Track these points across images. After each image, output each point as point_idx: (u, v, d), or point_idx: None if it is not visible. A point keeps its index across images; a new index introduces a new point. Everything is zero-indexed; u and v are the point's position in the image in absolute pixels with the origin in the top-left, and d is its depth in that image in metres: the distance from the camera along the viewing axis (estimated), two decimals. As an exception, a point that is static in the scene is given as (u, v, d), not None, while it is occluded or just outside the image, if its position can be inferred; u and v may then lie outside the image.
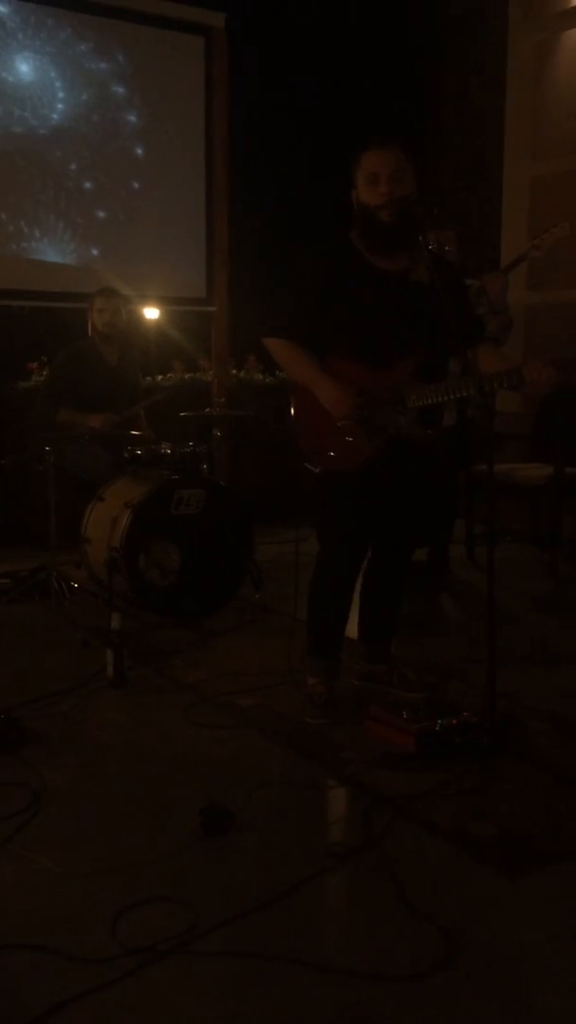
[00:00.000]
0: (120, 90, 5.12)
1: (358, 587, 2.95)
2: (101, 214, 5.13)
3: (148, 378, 5.44)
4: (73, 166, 5.06)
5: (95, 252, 5.12)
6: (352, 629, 3.06)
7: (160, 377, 5.81)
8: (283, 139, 6.25)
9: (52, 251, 5.00)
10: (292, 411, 2.72)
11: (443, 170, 6.08)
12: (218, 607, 3.84)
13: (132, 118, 5.16)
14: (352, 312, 2.57)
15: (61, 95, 5.00)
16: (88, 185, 5.10)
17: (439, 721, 2.55)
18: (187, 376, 5.91)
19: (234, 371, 5.80)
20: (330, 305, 2.57)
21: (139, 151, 5.22)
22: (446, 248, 4.08)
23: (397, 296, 2.57)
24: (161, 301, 5.30)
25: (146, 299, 5.19)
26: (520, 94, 5.58)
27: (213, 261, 5.37)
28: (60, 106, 5.00)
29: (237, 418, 4.54)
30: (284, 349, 2.67)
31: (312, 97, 6.31)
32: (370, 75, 6.21)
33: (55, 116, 5.00)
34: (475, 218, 5.82)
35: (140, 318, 5.34)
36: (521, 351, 5.42)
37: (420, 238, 2.48)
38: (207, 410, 4.34)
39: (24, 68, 4.88)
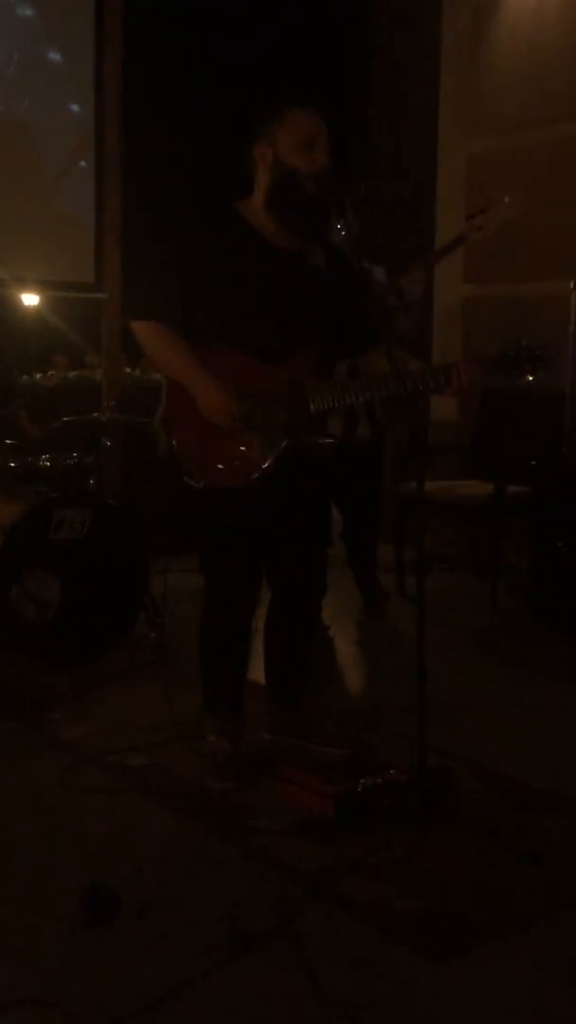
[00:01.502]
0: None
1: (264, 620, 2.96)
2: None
3: (26, 376, 5.38)
4: None
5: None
6: (259, 671, 3.07)
7: (40, 375, 5.77)
8: (191, 94, 6.25)
9: None
10: (165, 412, 2.67)
11: (369, 141, 6.14)
12: (106, 649, 3.81)
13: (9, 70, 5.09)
14: (238, 294, 2.55)
15: None
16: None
17: (362, 782, 2.56)
18: (72, 374, 5.86)
19: (128, 369, 5.77)
20: (212, 284, 2.55)
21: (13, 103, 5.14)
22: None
23: (293, 278, 2.57)
24: (42, 286, 5.24)
25: (23, 283, 5.13)
26: (456, 59, 5.65)
27: (104, 240, 5.30)
28: None
29: (131, 424, 4.42)
30: (155, 337, 2.62)
31: (219, 48, 6.34)
32: (283, 25, 6.27)
33: None
34: (405, 201, 5.89)
35: (16, 305, 5.30)
36: (459, 350, 5.49)
37: (338, 221, 2.63)
38: (95, 414, 4.29)
39: None
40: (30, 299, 5.36)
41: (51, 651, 3.66)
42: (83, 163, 5.20)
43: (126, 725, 3.20)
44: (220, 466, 2.58)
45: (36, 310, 5.50)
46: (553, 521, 4.26)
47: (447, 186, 5.72)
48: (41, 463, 3.91)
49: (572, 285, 4.59)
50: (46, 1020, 1.83)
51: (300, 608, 2.92)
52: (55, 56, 5.16)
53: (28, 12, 5.13)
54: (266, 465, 2.56)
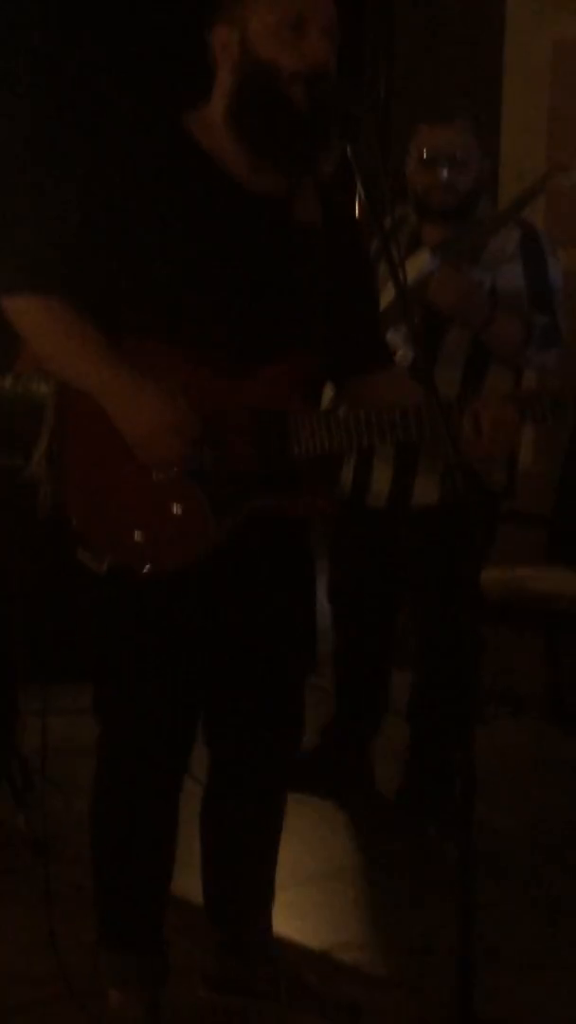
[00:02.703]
0: None
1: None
2: None
3: None
4: None
5: None
6: (189, 886, 2.76)
7: None
8: None
9: None
10: (52, 442, 2.43)
11: (398, 32, 5.79)
12: None
13: None
14: (182, 256, 2.34)
15: None
16: None
17: None
18: None
19: None
20: (137, 237, 2.33)
21: None
22: (461, 156, 3.42)
23: (272, 239, 2.40)
24: None
25: None
26: None
27: None
28: None
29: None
30: (41, 319, 2.38)
31: None
32: None
33: None
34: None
35: None
36: None
37: (345, 148, 2.26)
38: None
39: None
40: None
41: None
42: None
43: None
44: (140, 536, 2.35)
45: None
46: None
47: (519, 94, 5.25)
48: None
49: None
50: None
51: (257, 780, 2.64)
52: None
53: None
54: (217, 537, 2.35)
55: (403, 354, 3.03)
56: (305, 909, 3.21)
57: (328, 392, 2.67)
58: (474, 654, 2.42)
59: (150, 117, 2.43)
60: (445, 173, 3.26)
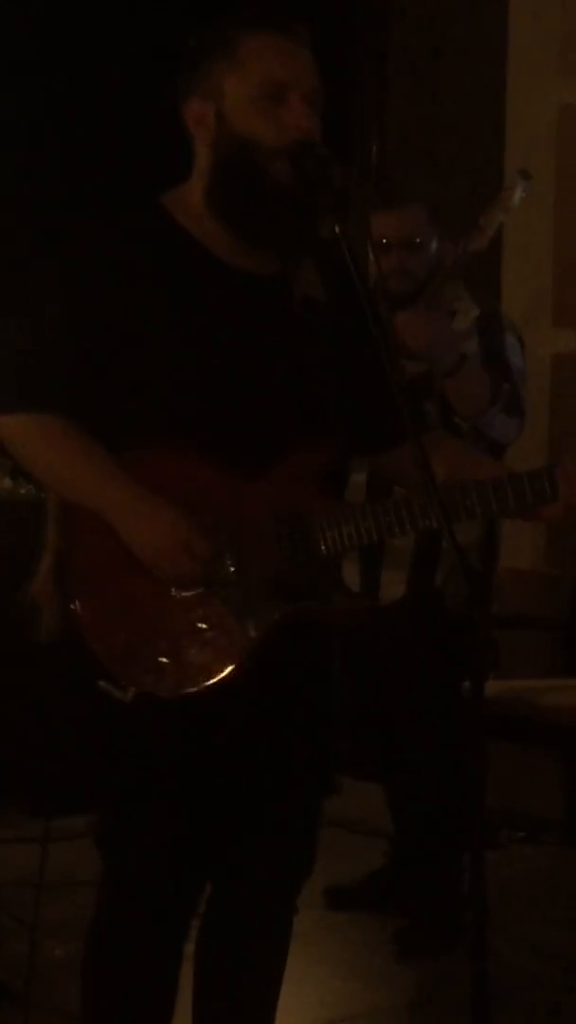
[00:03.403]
0: None
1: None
2: None
3: None
4: None
5: None
6: None
7: None
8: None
9: None
10: (59, 561, 2.38)
11: (391, 95, 5.78)
12: None
13: None
14: (177, 351, 2.29)
15: None
16: None
17: None
18: None
19: None
20: (129, 338, 2.28)
21: None
22: (415, 241, 3.70)
23: (270, 320, 2.34)
24: None
25: None
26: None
27: None
28: None
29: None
30: (35, 439, 2.34)
31: None
32: None
33: None
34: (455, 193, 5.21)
35: None
36: (545, 430, 4.87)
37: (334, 226, 2.19)
38: None
39: None
40: None
41: None
42: None
43: None
44: (165, 658, 2.27)
45: None
46: None
47: (523, 160, 5.02)
48: None
49: None
50: None
51: (262, 914, 2.53)
52: None
53: None
54: (245, 655, 2.28)
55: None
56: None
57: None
58: (479, 771, 2.26)
59: (128, 204, 2.38)
60: (395, 259, 3.44)
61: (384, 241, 3.43)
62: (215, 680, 2.27)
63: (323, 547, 2.29)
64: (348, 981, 3.55)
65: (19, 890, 3.29)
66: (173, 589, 2.28)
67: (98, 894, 2.39)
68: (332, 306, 2.38)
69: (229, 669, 2.27)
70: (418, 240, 3.45)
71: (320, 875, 3.86)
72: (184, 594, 2.28)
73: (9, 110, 5.32)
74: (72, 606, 2.33)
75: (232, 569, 2.29)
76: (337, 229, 2.18)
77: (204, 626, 2.27)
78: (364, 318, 2.37)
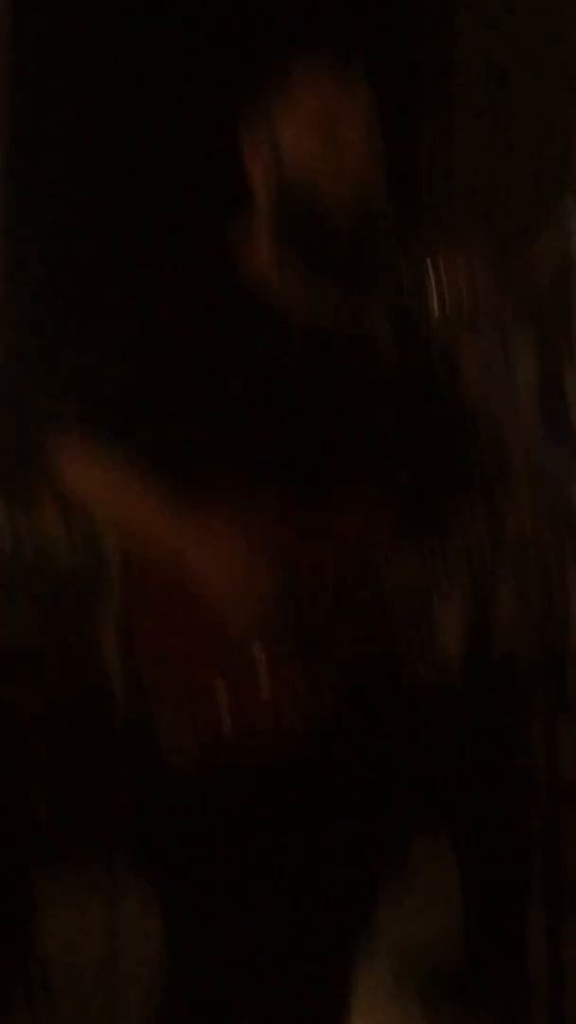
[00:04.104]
0: None
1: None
2: None
3: None
4: None
5: None
6: None
7: None
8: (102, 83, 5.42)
9: None
10: (133, 622, 2.36)
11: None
12: None
13: None
14: (241, 401, 2.31)
15: None
16: None
17: None
18: None
19: (7, 515, 4.99)
20: (193, 384, 2.31)
21: None
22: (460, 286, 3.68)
23: (328, 372, 2.37)
24: None
25: None
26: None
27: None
28: None
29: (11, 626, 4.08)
30: (102, 463, 2.33)
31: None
32: None
33: None
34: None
35: None
36: None
37: (394, 264, 2.32)
38: None
39: None
40: None
41: None
42: None
43: None
44: (230, 726, 2.24)
45: None
46: None
47: None
48: None
49: None
50: None
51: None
52: None
53: None
54: (313, 720, 2.25)
55: None
56: None
57: None
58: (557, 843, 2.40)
59: (194, 249, 2.42)
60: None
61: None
62: (279, 748, 2.22)
63: (392, 589, 2.26)
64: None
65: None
66: (234, 644, 2.21)
67: (166, 969, 2.34)
68: (403, 353, 2.39)
69: (293, 738, 2.21)
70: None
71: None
72: (246, 651, 2.22)
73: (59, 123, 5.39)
74: (135, 674, 2.31)
75: (295, 623, 2.24)
76: (397, 264, 2.27)
77: (269, 694, 2.23)
78: (432, 364, 2.44)
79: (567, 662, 3.78)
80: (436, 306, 2.61)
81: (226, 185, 2.37)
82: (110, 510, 2.42)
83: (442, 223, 4.94)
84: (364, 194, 2.23)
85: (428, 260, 2.56)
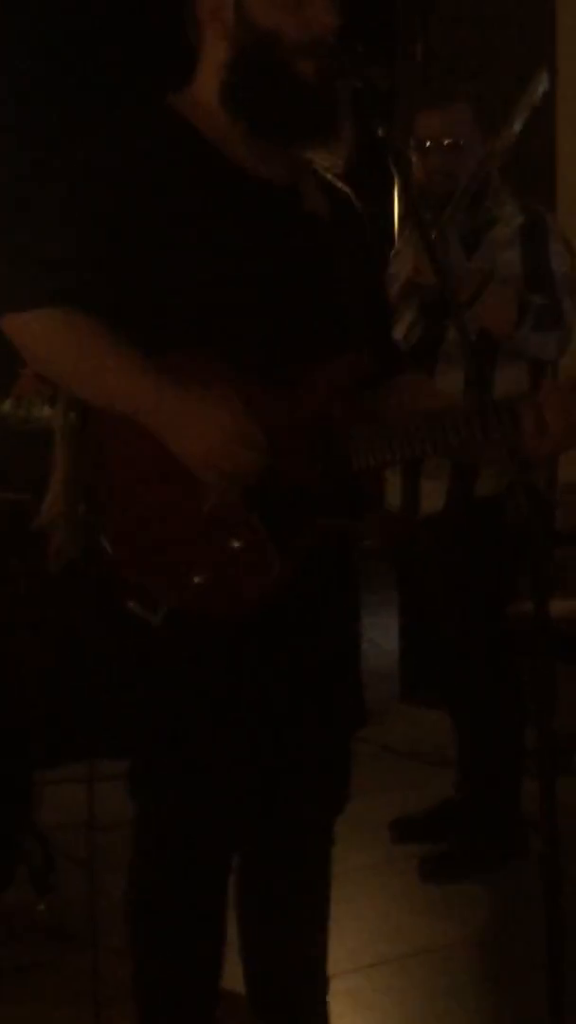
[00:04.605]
0: None
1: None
2: None
3: None
4: None
5: None
6: (227, 971, 2.50)
7: None
8: None
9: None
10: (71, 479, 2.26)
11: None
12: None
13: None
14: (204, 253, 2.18)
15: None
16: None
17: None
18: None
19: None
20: (153, 239, 2.17)
21: None
22: (459, 143, 3.47)
23: (293, 227, 2.25)
24: None
25: None
26: None
27: None
28: None
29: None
30: (65, 333, 2.17)
31: None
32: None
33: None
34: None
35: None
36: None
37: (377, 125, 2.14)
38: None
39: None
40: None
41: None
42: None
43: None
44: (199, 578, 2.16)
45: None
46: None
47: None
48: None
49: None
50: None
51: (301, 849, 2.47)
52: None
53: None
54: (282, 572, 2.18)
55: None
56: (371, 998, 2.93)
57: None
58: (546, 693, 2.24)
59: (138, 105, 2.24)
60: (438, 159, 3.30)
61: (428, 144, 3.30)
62: (248, 601, 2.21)
63: (356, 462, 2.21)
64: (414, 915, 3.48)
65: (72, 831, 3.28)
66: (207, 503, 2.15)
67: (135, 837, 2.33)
68: (334, 227, 2.29)
69: (262, 591, 2.20)
70: (462, 141, 3.31)
71: (388, 807, 3.87)
72: (218, 509, 2.15)
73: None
74: (100, 523, 2.23)
75: (268, 480, 2.19)
76: (381, 132, 2.12)
77: (239, 546, 2.19)
78: (365, 242, 2.38)
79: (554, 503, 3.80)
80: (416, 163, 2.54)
81: (174, 41, 2.26)
82: (85, 375, 2.24)
83: (423, 87, 4.76)
84: (325, 49, 2.13)
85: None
